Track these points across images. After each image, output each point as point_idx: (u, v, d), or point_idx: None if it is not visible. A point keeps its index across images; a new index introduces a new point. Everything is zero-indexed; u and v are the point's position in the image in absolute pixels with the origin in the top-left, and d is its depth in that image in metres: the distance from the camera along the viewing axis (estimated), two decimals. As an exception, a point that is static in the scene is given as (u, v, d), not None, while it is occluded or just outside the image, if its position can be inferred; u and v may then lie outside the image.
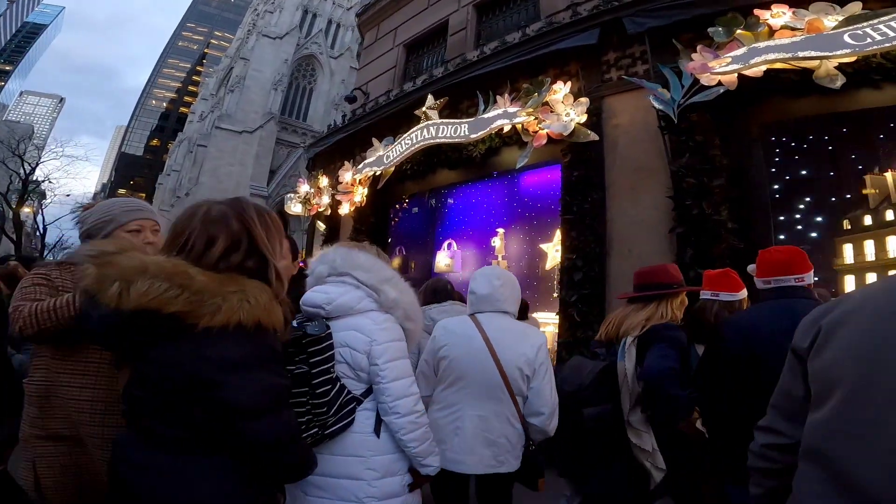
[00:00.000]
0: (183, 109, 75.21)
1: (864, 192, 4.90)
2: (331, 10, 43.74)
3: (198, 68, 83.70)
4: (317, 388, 1.54)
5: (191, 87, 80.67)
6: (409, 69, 8.48)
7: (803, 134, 4.48)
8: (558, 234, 6.59)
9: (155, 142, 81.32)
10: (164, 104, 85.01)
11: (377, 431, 1.68)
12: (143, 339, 1.09)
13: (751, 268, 2.89)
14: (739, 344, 2.44)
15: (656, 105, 4.36)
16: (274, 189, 37.17)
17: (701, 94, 4.13)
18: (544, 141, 5.08)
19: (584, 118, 4.84)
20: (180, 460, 1.09)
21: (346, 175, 8.00)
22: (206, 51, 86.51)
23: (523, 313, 3.54)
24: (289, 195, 10.42)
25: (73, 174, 28.03)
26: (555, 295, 6.06)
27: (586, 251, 4.76)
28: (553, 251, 6.47)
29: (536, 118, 5.16)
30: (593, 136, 4.80)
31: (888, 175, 4.84)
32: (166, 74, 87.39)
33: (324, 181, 8.79)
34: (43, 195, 26.24)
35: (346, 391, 1.66)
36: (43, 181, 25.78)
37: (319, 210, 8.80)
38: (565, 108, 4.96)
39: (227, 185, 36.22)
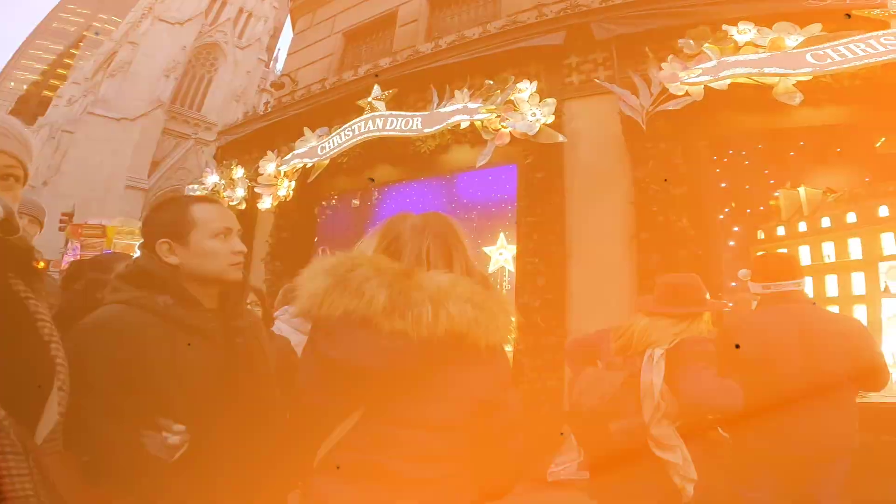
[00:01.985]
0: (47, 93, 66.02)
1: (779, 204, 5.25)
2: (244, -2, 41.31)
3: (72, 51, 74.26)
4: None
5: (60, 71, 71.24)
6: (348, 58, 7.97)
7: (745, 146, 4.76)
8: (502, 237, 6.43)
9: (9, 126, 70.36)
10: (25, 87, 74.19)
11: None
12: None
13: (743, 272, 2.88)
14: (753, 349, 2.37)
15: (626, 111, 4.36)
16: (156, 182, 33.81)
17: (670, 102, 4.19)
18: (507, 140, 4.90)
19: (552, 119, 4.73)
20: None
21: (269, 166, 7.21)
22: (84, 33, 76.97)
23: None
24: (191, 186, 9.29)
25: None
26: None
27: (547, 255, 4.60)
28: (497, 254, 6.28)
29: (499, 116, 4.96)
30: (562, 138, 4.70)
31: (801, 190, 5.26)
32: (32, 56, 76.52)
33: (238, 172, 7.87)
34: None
35: None
36: None
37: (231, 204, 7.85)
38: (530, 108, 4.81)
39: (98, 176, 32.24)
